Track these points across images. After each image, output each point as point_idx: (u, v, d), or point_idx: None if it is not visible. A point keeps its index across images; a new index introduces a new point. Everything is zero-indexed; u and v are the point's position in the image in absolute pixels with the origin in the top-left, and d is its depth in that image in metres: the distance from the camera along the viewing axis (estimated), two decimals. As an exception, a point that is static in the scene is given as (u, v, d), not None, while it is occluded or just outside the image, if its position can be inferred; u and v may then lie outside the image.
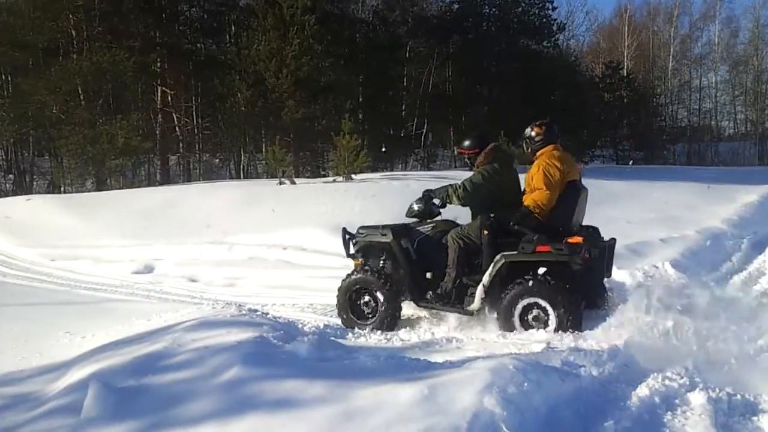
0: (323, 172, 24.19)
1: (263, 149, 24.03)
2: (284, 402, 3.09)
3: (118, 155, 20.60)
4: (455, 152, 33.96)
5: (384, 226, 5.85)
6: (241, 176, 25.57)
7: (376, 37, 29.03)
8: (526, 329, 4.95)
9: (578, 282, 4.96)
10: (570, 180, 5.27)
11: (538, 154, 5.35)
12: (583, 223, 5.56)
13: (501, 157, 5.59)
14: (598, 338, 4.54)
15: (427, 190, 5.92)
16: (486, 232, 5.21)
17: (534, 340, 4.74)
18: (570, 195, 5.26)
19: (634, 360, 3.98)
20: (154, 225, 11.81)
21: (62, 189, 24.13)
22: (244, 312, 5.07)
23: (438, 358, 4.26)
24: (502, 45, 30.07)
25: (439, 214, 5.97)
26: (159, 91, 23.99)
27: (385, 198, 12.65)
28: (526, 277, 4.96)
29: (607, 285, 5.61)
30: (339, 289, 5.81)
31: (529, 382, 3.28)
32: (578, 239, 4.96)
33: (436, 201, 5.79)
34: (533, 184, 5.23)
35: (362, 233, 5.96)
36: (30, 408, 3.69)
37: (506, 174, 5.53)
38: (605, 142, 35.95)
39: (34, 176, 28.80)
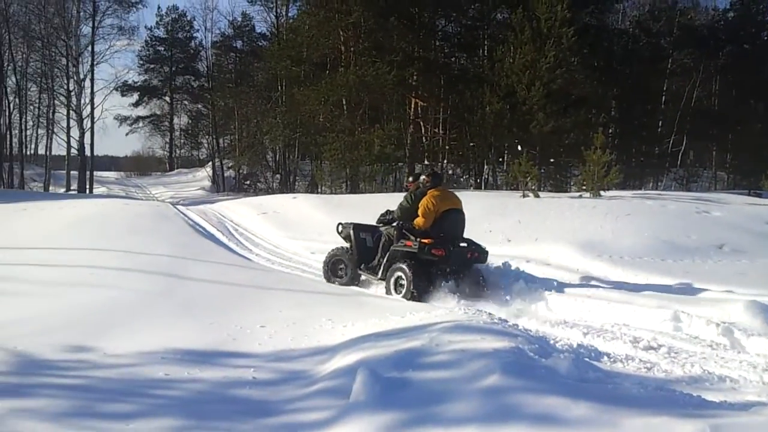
0: (566, 187, 23.47)
1: (504, 161, 24.05)
2: (547, 417, 2.97)
3: (372, 161, 21.99)
4: (715, 173, 30.90)
5: (352, 224, 8.70)
6: (482, 187, 25.80)
7: (636, 49, 27.47)
8: (397, 293, 7.53)
9: (435, 269, 7.52)
10: (444, 210, 7.77)
11: (427, 192, 7.86)
12: (466, 237, 8.05)
13: (420, 190, 7.99)
14: None
15: (380, 219, 8.57)
16: (395, 233, 7.99)
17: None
18: (444, 218, 7.75)
19: None
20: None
21: (320, 189, 26.46)
22: (496, 320, 5.04)
23: (711, 396, 3.83)
24: (785, 56, 26.61)
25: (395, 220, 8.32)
26: (413, 102, 25.15)
27: (639, 218, 11.85)
28: (398, 258, 7.72)
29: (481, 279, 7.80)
30: (325, 257, 8.93)
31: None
32: (428, 241, 7.50)
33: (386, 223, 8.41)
34: (419, 210, 7.78)
35: (341, 227, 8.85)
36: (303, 385, 4.01)
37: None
38: None
39: (297, 177, 32.01)
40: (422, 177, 8.18)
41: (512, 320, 5.58)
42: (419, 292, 7.28)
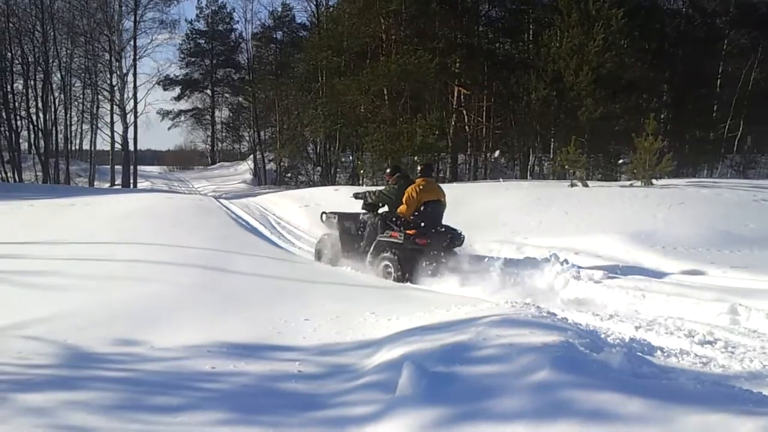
0: (616, 176, 23.04)
1: (551, 149, 23.71)
2: (600, 414, 2.92)
3: (414, 152, 21.91)
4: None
5: (336, 214, 9.67)
6: (527, 176, 25.51)
7: (690, 30, 26.67)
8: (385, 278, 8.35)
9: (418, 255, 8.30)
10: (427, 200, 8.62)
11: (416, 180, 8.80)
12: (444, 224, 8.82)
13: (402, 182, 9.01)
14: None
15: (355, 192, 9.83)
16: (379, 223, 8.92)
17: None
18: (425, 208, 8.62)
19: None
20: (447, 219, 12.33)
21: (361, 181, 26.49)
22: (544, 314, 4.98)
23: (772, 393, 3.71)
24: None
25: (380, 207, 9.23)
26: (455, 91, 24.97)
27: (693, 207, 11.56)
28: (384, 248, 8.62)
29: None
30: (316, 243, 10.24)
31: None
32: (412, 232, 8.37)
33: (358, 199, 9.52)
34: (403, 198, 8.65)
35: (325, 217, 9.90)
36: (349, 379, 4.05)
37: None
38: None
39: (338, 169, 32.16)
40: (418, 167, 9.28)
41: (561, 313, 5.51)
42: (406, 276, 8.24)
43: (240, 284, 7.16)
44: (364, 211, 9.51)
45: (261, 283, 7.32)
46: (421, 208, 8.65)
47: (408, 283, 8.05)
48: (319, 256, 9.97)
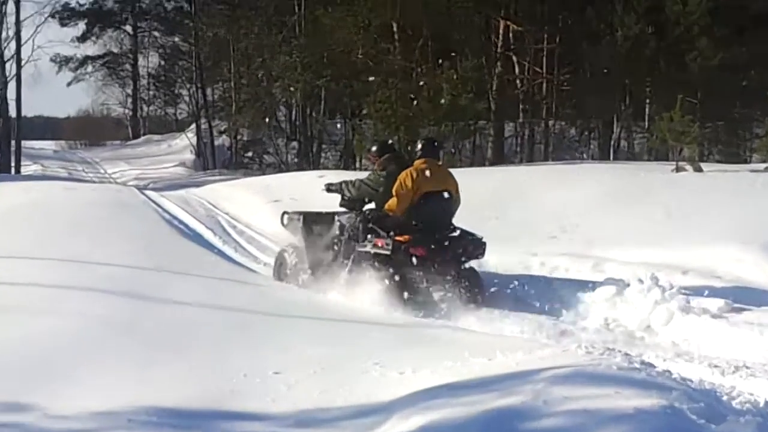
0: (745, 155, 23.06)
1: (645, 115, 23.67)
2: None
3: (439, 120, 21.79)
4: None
5: (302, 213, 9.97)
6: (611, 156, 25.50)
7: None
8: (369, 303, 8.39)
9: (415, 272, 8.46)
10: (428, 191, 8.67)
11: (414, 162, 9.03)
12: (456, 226, 8.94)
13: (392, 167, 9.14)
14: None
15: (327, 183, 10.11)
16: (360, 225, 9.00)
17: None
18: (425, 203, 8.70)
19: None
20: (484, 221, 12.31)
21: (359, 164, 26.42)
22: (636, 365, 4.99)
23: None
24: None
25: (366, 203, 9.52)
26: (501, 27, 24.89)
27: None
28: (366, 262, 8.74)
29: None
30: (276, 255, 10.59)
31: None
32: (404, 238, 8.41)
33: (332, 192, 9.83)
34: (393, 188, 8.74)
35: (287, 218, 10.20)
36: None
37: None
38: None
39: (323, 145, 32.12)
40: (417, 144, 9.55)
41: (662, 364, 5.53)
42: (396, 303, 8.22)
43: (177, 319, 7.21)
44: (344, 210, 9.63)
45: (209, 317, 7.36)
46: (420, 203, 8.68)
47: (429, 319, 8.07)
48: (278, 274, 10.18)
